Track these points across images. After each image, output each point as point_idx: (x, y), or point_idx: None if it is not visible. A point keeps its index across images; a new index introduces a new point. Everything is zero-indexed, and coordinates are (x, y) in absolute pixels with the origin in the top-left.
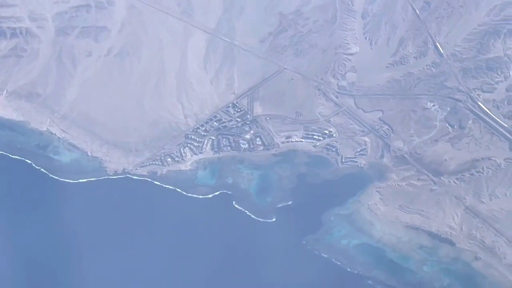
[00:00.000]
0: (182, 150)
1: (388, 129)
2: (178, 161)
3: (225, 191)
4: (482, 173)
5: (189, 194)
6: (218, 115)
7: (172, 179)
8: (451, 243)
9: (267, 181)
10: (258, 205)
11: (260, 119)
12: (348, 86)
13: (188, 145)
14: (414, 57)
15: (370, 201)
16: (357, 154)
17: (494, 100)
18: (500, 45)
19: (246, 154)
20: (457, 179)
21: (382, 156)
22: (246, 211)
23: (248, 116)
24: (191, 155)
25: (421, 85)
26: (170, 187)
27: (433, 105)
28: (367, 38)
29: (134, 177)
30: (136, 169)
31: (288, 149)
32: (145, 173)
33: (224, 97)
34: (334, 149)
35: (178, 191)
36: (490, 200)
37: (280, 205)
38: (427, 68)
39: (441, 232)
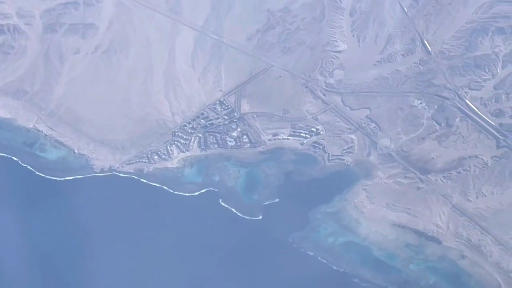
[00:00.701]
0: (169, 148)
1: (375, 127)
2: (164, 158)
3: (211, 188)
4: (469, 171)
5: (176, 192)
6: (205, 113)
7: (159, 176)
8: (438, 242)
9: (254, 179)
10: (245, 203)
11: (247, 116)
12: (335, 83)
13: (175, 142)
14: (401, 54)
15: (356, 199)
16: (344, 152)
17: (481, 98)
18: (488, 42)
19: (233, 151)
20: (444, 177)
21: (369, 154)
22: (232, 209)
23: (235, 114)
24: (178, 153)
25: (408, 82)
26: (157, 185)
27: (421, 103)
28: (355, 36)
29: (121, 175)
30: (123, 167)
31: (275, 146)
32: (131, 170)
33: (211, 95)
34: (321, 147)
35: (165, 189)
36: (477, 198)
37: (266, 203)
38: (414, 66)
39: (428, 230)
